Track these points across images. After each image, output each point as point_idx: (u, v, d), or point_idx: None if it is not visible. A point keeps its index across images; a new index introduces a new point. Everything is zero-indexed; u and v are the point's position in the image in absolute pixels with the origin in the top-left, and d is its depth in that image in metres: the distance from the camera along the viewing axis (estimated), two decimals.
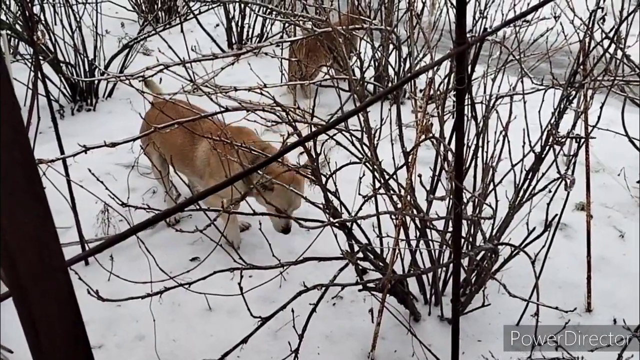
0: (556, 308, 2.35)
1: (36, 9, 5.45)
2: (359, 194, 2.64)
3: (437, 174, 3.25)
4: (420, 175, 2.27)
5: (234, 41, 7.16)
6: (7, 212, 0.94)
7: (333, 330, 3.55)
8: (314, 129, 2.68)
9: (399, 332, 3.45)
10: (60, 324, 1.16)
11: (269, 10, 5.96)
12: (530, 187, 3.18)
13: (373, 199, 3.12)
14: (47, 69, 5.12)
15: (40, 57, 3.52)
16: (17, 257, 0.99)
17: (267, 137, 4.89)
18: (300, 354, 3.25)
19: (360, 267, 3.20)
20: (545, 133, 3.09)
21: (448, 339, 2.79)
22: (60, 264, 1.10)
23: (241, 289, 2.09)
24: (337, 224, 2.90)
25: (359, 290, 3.20)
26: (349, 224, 3.03)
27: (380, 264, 3.15)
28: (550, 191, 3.12)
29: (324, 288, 2.47)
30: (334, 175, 3.00)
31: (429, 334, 3.44)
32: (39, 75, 3.42)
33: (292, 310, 2.44)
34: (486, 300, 3.33)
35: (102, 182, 2.53)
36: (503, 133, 3.17)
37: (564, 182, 2.45)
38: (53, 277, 1.06)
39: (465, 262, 3.33)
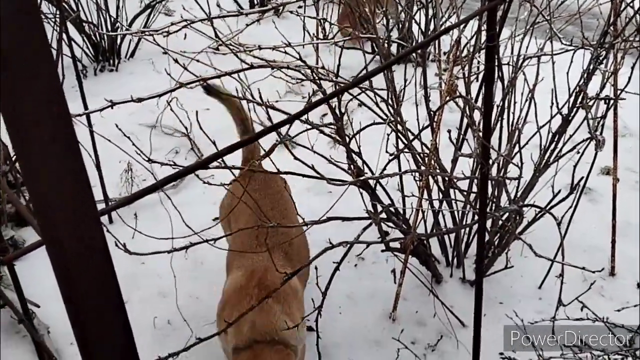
0: (583, 268, 2.33)
1: None
2: (386, 152, 2.63)
3: (462, 134, 3.22)
4: (449, 131, 2.24)
5: (256, 2, 7.10)
6: (43, 161, 0.95)
7: (355, 290, 3.57)
8: (338, 88, 2.66)
9: (421, 293, 3.46)
10: (93, 273, 1.17)
11: None
12: (557, 150, 3.15)
13: (396, 160, 3.11)
14: (70, 28, 5.11)
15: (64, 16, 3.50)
16: (52, 205, 1.00)
17: (289, 97, 4.87)
18: (323, 313, 3.27)
19: (383, 229, 3.20)
20: (573, 95, 3.04)
21: (469, 301, 2.79)
22: (93, 213, 1.11)
23: (268, 247, 2.09)
24: (360, 184, 2.89)
25: (382, 251, 3.21)
26: (372, 184, 3.02)
27: (404, 225, 3.15)
28: (578, 152, 3.09)
29: (348, 246, 2.47)
30: (357, 136, 2.98)
31: (451, 295, 3.45)
32: (64, 34, 3.41)
33: (316, 268, 2.45)
34: (509, 263, 3.32)
35: (128, 137, 2.53)
36: (530, 95, 3.13)
37: (594, 143, 2.42)
38: (87, 225, 1.07)
39: (489, 223, 3.32)
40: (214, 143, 2.31)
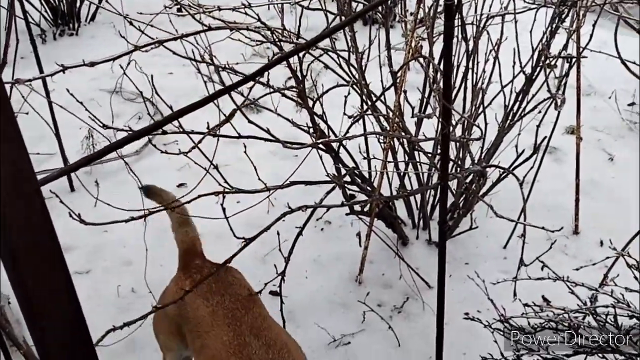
0: (542, 228, 2.34)
1: None
2: (344, 114, 2.60)
3: (425, 95, 3.20)
4: (405, 91, 2.21)
5: None
6: None
7: (321, 254, 3.56)
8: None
9: (387, 256, 3.46)
10: (38, 246, 1.14)
11: None
12: (520, 110, 3.14)
13: (361, 122, 3.08)
14: None
15: None
16: None
17: (255, 60, 4.80)
18: (288, 278, 3.25)
19: (347, 192, 3.18)
20: (536, 53, 3.03)
21: (435, 263, 2.79)
22: (34, 186, 1.07)
23: (224, 209, 2.06)
24: (323, 146, 2.86)
25: (347, 214, 3.19)
26: (335, 147, 2.99)
27: (368, 188, 3.13)
28: (540, 112, 3.09)
29: (310, 210, 2.45)
30: (322, 99, 2.94)
31: (417, 257, 3.46)
32: None
33: (278, 233, 2.42)
34: (474, 224, 3.33)
35: (81, 102, 2.47)
36: (493, 54, 3.11)
37: (554, 102, 2.41)
38: (27, 199, 1.04)
39: (453, 185, 3.32)
40: (170, 107, 2.26)
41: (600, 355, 2.33)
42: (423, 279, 3.31)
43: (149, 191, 2.63)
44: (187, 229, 2.56)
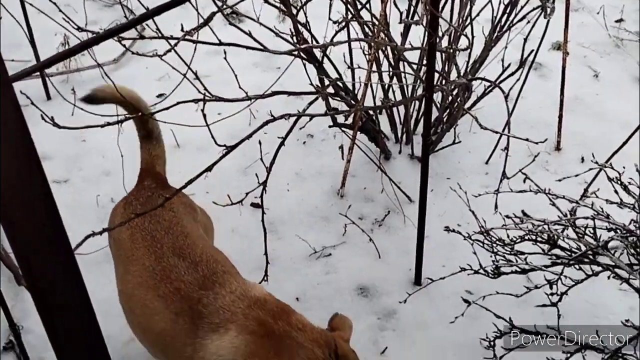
0: (526, 139, 2.32)
1: None
2: (329, 19, 2.52)
3: (413, 3, 3.12)
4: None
5: None
6: None
7: (303, 167, 3.54)
8: None
9: (369, 169, 3.45)
10: (10, 138, 1.10)
11: None
12: (508, 22, 3.08)
13: (345, 32, 3.00)
14: None
15: None
16: None
17: None
18: (270, 191, 3.22)
19: (330, 104, 3.13)
20: None
21: (417, 177, 2.78)
22: (5, 77, 1.02)
23: (204, 115, 2.00)
24: (306, 55, 2.79)
25: (329, 127, 3.16)
26: (319, 55, 2.92)
27: (352, 100, 3.08)
28: (528, 22, 3.03)
29: (293, 120, 2.40)
30: (305, 7, 2.85)
31: (399, 171, 3.45)
32: None
33: (260, 143, 2.38)
34: (457, 139, 3.32)
35: (56, 5, 2.37)
36: None
37: (543, 11, 2.35)
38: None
39: (438, 98, 3.28)
40: (147, 9, 2.16)
41: (577, 267, 2.36)
42: (404, 193, 3.31)
43: (95, 97, 2.38)
44: (149, 146, 2.44)
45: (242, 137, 2.37)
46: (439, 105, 3.32)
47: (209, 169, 1.94)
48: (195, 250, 2.16)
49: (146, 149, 2.45)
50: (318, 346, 1.88)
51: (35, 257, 1.29)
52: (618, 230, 2.14)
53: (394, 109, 3.49)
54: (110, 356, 2.76)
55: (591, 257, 2.19)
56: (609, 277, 2.19)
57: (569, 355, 2.11)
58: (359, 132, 3.25)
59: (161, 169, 2.46)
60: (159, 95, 3.70)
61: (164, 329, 2.06)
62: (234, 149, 2.01)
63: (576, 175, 2.43)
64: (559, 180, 2.37)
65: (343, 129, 3.23)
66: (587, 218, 2.15)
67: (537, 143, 2.32)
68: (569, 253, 2.26)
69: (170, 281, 2.06)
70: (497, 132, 2.50)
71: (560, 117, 3.50)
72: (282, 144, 2.45)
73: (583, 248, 2.17)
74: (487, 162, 3.49)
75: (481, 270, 2.45)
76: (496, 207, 2.43)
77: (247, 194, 2.42)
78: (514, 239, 2.41)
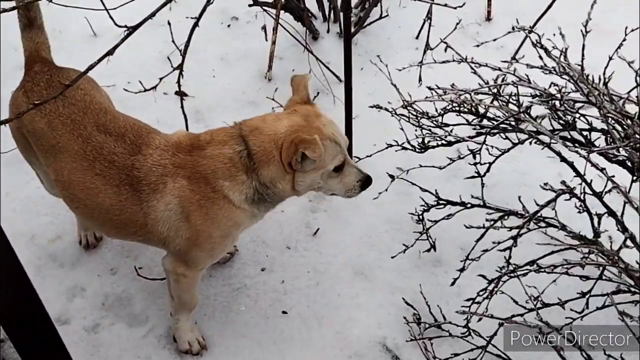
0: (445, 5, 2.24)
1: None
2: None
3: None
4: None
5: None
6: None
7: (228, 52, 3.41)
8: None
9: (297, 51, 3.34)
10: None
11: None
12: None
13: None
14: None
15: None
16: None
17: None
18: (195, 78, 3.13)
19: None
20: None
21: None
22: None
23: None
24: None
25: (249, 6, 3.01)
26: None
27: None
28: None
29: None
30: None
31: (328, 51, 3.36)
32: None
33: (169, 23, 2.24)
34: (384, 12, 3.21)
35: None
36: None
37: None
38: None
39: None
40: None
41: (503, 136, 2.34)
42: (333, 73, 3.23)
43: None
44: (32, 35, 2.32)
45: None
46: None
47: (110, 52, 1.81)
48: (117, 123, 2.16)
49: (29, 37, 2.32)
50: (227, 146, 2.05)
51: None
52: (541, 95, 2.11)
53: None
54: (38, 254, 2.73)
55: (514, 124, 2.16)
56: (530, 143, 2.17)
57: (492, 222, 2.11)
58: (283, 11, 3.11)
59: (47, 55, 2.35)
60: None
61: (111, 204, 2.11)
62: (135, 29, 1.87)
63: (494, 40, 2.37)
64: (477, 46, 2.30)
65: (264, 7, 3.09)
66: (507, 84, 2.11)
67: (455, 8, 2.24)
68: (494, 123, 2.23)
69: (103, 157, 2.09)
70: (424, 1, 2.40)
71: None
72: (195, 24, 2.31)
73: (505, 115, 2.14)
74: (417, 37, 3.41)
75: (408, 145, 2.42)
76: (420, 79, 2.37)
77: (160, 79, 2.30)
78: (439, 111, 2.37)
